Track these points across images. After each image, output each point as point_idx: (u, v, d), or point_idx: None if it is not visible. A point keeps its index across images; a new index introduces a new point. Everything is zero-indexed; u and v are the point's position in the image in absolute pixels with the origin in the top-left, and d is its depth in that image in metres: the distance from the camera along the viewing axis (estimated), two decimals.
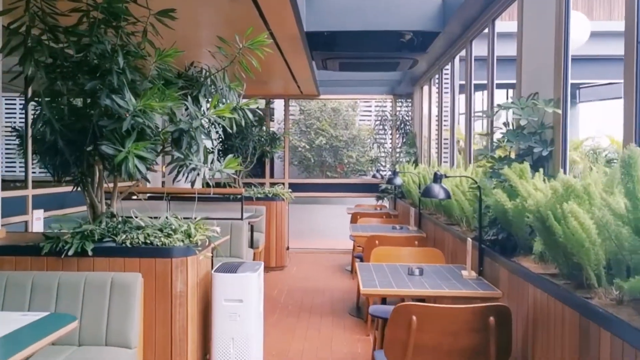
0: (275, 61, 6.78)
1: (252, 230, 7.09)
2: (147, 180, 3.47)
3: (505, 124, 3.51)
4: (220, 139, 8.49)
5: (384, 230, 5.95)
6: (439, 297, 3.23)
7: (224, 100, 3.68)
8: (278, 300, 6.47)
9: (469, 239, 3.50)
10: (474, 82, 6.11)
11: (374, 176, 9.52)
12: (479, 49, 5.49)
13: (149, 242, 3.29)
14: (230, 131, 3.70)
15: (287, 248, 8.92)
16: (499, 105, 3.36)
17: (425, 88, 8.25)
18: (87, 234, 3.27)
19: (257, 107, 9.21)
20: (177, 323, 3.30)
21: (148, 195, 7.72)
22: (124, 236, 3.32)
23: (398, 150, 9.18)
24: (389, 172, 9.17)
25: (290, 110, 10.53)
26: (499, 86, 5.56)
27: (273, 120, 13.39)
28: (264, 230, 7.98)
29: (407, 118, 9.26)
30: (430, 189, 3.47)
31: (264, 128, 8.88)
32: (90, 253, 3.21)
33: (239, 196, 6.32)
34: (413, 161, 8.40)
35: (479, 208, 3.46)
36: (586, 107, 13.50)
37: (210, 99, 3.61)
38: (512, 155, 3.48)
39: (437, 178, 3.47)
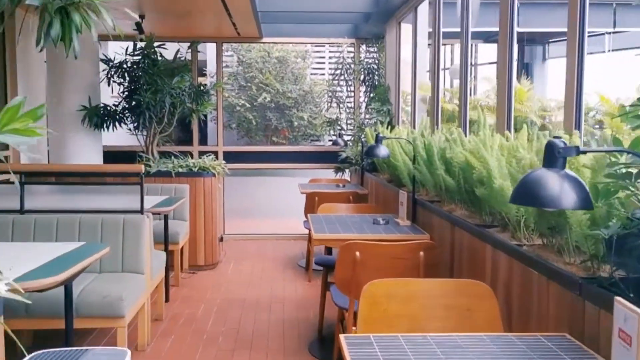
0: None
1: (165, 221, 4.91)
2: None
3: None
4: (125, 92, 6.13)
5: (361, 226, 3.89)
6: None
7: None
8: (203, 326, 4.36)
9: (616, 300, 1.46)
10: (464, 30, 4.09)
11: (334, 143, 7.38)
12: None
13: None
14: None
15: (221, 239, 6.76)
16: None
17: (406, 25, 6.13)
18: None
19: (179, 52, 6.84)
20: None
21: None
22: None
23: (364, 108, 7.08)
24: (352, 137, 7.09)
25: (226, 62, 8.23)
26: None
27: (205, 75, 10.99)
28: (188, 218, 5.82)
29: (375, 67, 7.13)
30: (539, 183, 1.37)
31: (187, 78, 6.46)
32: None
33: (138, 175, 4.06)
34: (387, 123, 6.32)
35: None
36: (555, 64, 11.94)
37: None
38: None
39: (553, 153, 1.38)
